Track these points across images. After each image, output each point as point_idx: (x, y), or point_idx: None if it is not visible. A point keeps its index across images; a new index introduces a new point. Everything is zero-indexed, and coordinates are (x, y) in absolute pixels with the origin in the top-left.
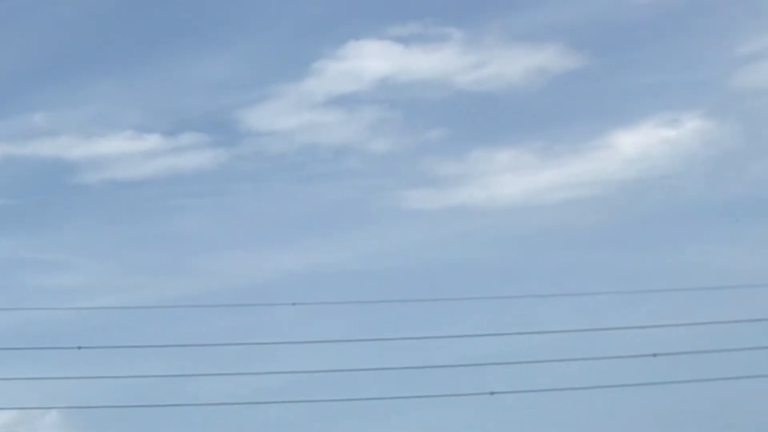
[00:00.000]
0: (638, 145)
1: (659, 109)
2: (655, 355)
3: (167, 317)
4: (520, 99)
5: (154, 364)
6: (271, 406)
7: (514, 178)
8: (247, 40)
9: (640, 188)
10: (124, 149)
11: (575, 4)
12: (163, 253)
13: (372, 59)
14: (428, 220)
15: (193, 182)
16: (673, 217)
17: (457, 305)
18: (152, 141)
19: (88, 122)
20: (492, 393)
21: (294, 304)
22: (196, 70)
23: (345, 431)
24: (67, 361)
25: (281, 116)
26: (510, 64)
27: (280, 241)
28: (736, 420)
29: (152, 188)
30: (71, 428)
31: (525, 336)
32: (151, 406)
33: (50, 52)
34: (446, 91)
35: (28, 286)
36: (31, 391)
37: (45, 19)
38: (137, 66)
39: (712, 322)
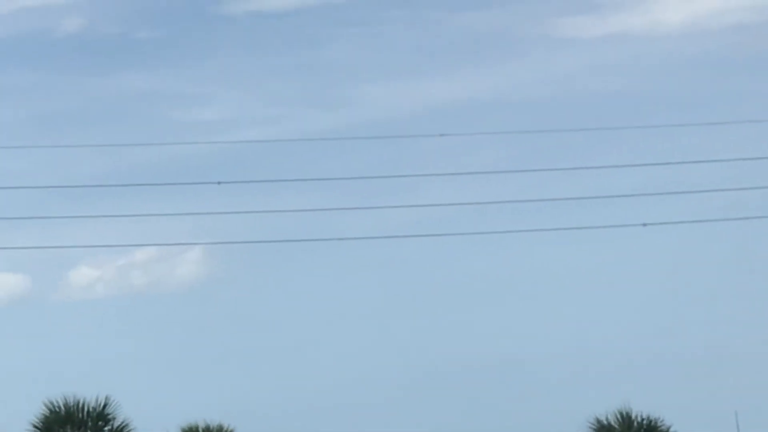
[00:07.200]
0: None
1: None
2: None
3: (311, 150)
4: None
5: (296, 198)
6: (417, 240)
7: (676, 3)
8: None
9: None
10: None
11: None
12: (309, 84)
13: None
14: (584, 49)
15: (345, 10)
16: None
17: (613, 135)
18: None
19: None
20: (644, 225)
21: (441, 135)
22: None
23: (490, 263)
24: (208, 197)
25: None
26: None
27: (428, 71)
28: None
29: (300, 17)
30: (213, 263)
31: (686, 165)
32: (292, 241)
33: None
34: None
35: (169, 120)
36: (172, 228)
37: None
38: None
39: None
